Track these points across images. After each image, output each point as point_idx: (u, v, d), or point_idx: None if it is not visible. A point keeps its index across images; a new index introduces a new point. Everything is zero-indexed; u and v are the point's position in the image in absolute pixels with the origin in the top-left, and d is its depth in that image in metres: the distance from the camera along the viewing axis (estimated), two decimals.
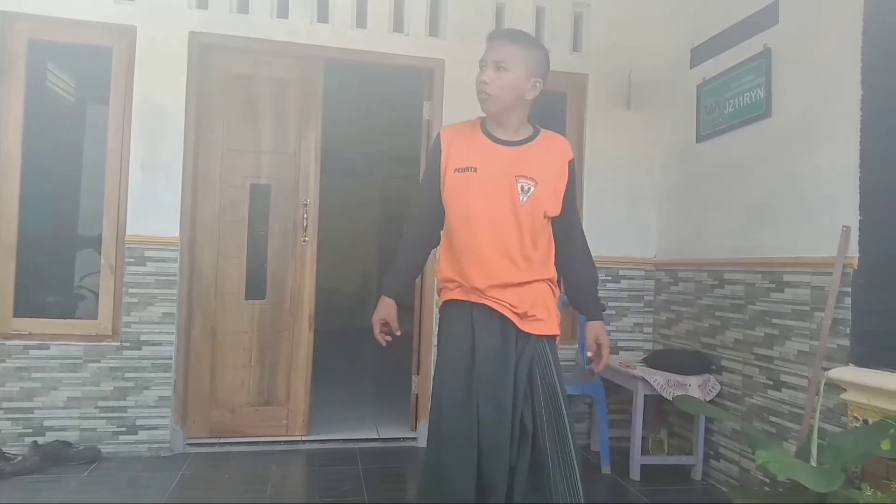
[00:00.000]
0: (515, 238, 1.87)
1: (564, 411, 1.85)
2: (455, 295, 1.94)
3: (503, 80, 1.86)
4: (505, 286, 1.87)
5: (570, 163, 1.96)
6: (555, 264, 1.99)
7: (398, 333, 2.14)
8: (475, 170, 1.88)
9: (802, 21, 2.77)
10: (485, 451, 1.82)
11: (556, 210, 1.91)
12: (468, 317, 1.90)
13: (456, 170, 1.90)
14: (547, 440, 1.81)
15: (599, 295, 2.08)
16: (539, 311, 1.88)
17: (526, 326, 1.87)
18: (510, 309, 1.86)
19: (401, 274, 2.11)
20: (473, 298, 1.89)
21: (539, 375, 1.86)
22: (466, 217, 1.88)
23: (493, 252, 1.87)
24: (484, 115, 1.97)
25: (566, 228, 1.99)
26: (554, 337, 1.94)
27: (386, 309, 2.09)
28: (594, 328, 2.02)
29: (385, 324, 2.10)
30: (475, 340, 1.87)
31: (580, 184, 3.85)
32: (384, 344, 2.14)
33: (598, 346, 2.01)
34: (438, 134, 2.02)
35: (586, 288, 2.05)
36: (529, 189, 1.86)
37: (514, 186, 1.86)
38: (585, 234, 2.10)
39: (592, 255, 2.10)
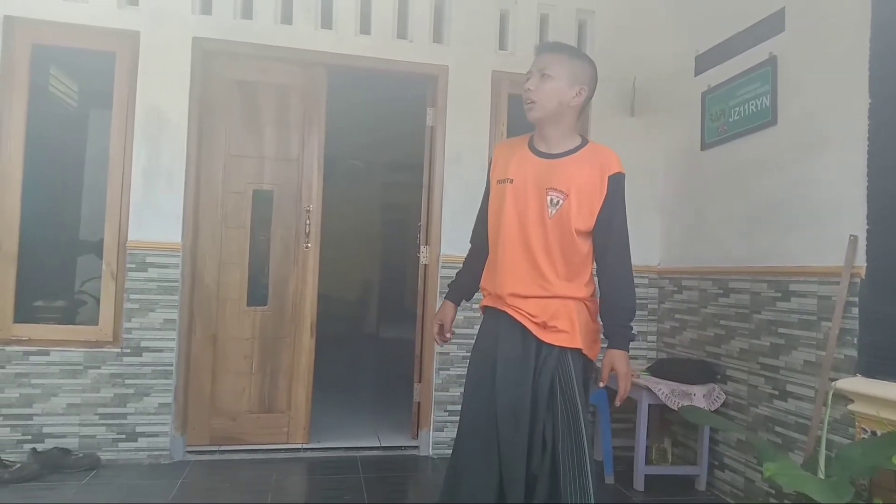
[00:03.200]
0: (542, 250, 1.87)
1: (583, 426, 1.83)
2: (487, 302, 2.02)
3: (547, 87, 1.89)
4: (526, 297, 1.88)
5: (613, 177, 1.87)
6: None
7: (448, 336, 2.20)
8: (512, 181, 1.92)
9: (809, 29, 2.76)
10: (503, 461, 1.84)
11: (586, 225, 1.87)
12: (496, 325, 1.94)
13: (497, 181, 1.97)
14: (561, 453, 1.80)
15: (629, 325, 1.92)
16: (561, 322, 1.86)
17: (546, 337, 1.86)
18: (529, 318, 1.87)
19: (459, 280, 2.22)
20: (500, 306, 1.92)
21: (559, 388, 1.84)
22: (499, 226, 1.93)
23: (519, 261, 1.89)
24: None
25: (601, 247, 1.91)
26: (579, 350, 1.88)
27: (443, 312, 2.20)
28: (610, 357, 1.91)
29: (442, 325, 2.18)
30: (498, 349, 1.90)
31: None
32: (440, 344, 2.23)
33: (618, 376, 1.91)
34: (495, 149, 2.14)
35: (610, 313, 1.94)
36: (559, 202, 1.85)
37: (545, 198, 1.86)
38: None
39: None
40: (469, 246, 2.23)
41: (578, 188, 1.85)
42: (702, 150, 3.49)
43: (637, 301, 3.51)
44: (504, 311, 1.91)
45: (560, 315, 1.86)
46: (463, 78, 3.68)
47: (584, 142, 1.97)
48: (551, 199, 1.85)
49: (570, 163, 1.90)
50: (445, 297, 2.23)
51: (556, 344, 1.86)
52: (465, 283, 2.20)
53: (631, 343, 1.94)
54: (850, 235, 2.44)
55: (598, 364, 2.03)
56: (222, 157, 3.53)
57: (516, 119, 3.83)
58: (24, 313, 3.30)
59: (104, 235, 3.35)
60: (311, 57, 3.55)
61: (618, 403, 1.94)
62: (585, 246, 1.90)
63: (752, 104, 3.06)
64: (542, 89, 1.89)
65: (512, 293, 1.89)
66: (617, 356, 1.89)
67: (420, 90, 3.92)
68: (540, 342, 1.86)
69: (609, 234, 1.89)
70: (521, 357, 1.87)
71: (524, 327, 1.88)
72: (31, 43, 3.28)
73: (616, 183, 1.88)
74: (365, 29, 3.61)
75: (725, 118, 3.27)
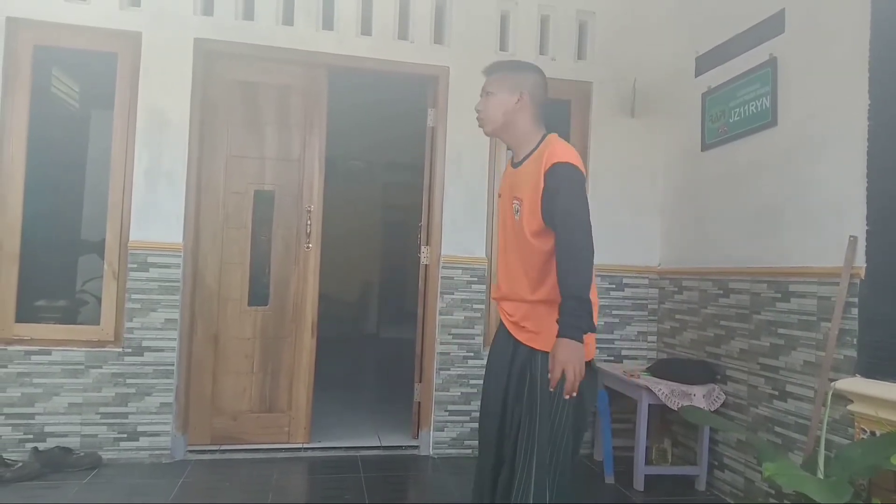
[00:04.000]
0: (515, 256, 1.99)
1: (537, 425, 1.85)
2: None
3: (490, 103, 2.03)
4: (507, 298, 2.03)
5: (549, 171, 1.86)
6: None
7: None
8: (500, 196, 2.14)
9: (809, 30, 2.76)
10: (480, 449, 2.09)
11: (534, 225, 1.89)
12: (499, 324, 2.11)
13: (497, 195, 2.23)
14: (518, 446, 1.90)
15: (576, 312, 1.76)
16: (530, 324, 1.93)
17: (519, 336, 1.96)
18: (508, 317, 2.02)
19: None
20: (492, 294, 2.15)
21: (528, 384, 1.91)
22: (499, 237, 2.15)
23: (503, 267, 2.07)
24: None
25: (555, 238, 1.84)
26: (546, 352, 1.84)
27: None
28: (553, 346, 1.77)
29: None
30: (493, 345, 2.13)
31: None
32: None
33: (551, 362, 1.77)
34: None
35: (561, 300, 1.81)
36: (517, 209, 1.95)
37: (511, 207, 1.98)
38: None
39: (596, 262, 1.87)
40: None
41: (528, 191, 1.91)
42: (702, 150, 3.49)
43: (637, 301, 3.61)
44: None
45: (529, 317, 1.94)
46: (464, 79, 3.69)
47: (541, 141, 1.99)
48: (515, 207, 1.96)
49: (525, 169, 1.98)
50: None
51: (526, 343, 1.93)
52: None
53: (591, 334, 1.83)
54: (850, 236, 2.44)
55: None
56: (223, 158, 3.54)
57: None
58: (25, 313, 3.31)
59: (106, 235, 3.36)
60: (313, 58, 3.56)
61: (553, 387, 1.79)
62: (546, 245, 1.88)
63: (753, 105, 3.06)
64: (486, 106, 2.03)
65: (499, 295, 2.08)
66: (556, 343, 1.75)
67: (421, 91, 3.93)
68: (517, 340, 1.96)
69: (554, 224, 1.84)
70: (502, 351, 2.01)
71: (501, 310, 2.05)
72: (34, 44, 3.29)
73: (552, 175, 1.85)
74: (366, 30, 3.62)
75: (726, 119, 3.28)
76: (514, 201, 1.96)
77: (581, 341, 1.74)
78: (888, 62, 2.33)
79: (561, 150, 1.90)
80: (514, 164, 2.05)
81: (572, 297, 1.76)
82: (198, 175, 3.45)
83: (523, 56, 3.76)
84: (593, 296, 1.88)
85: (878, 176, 2.35)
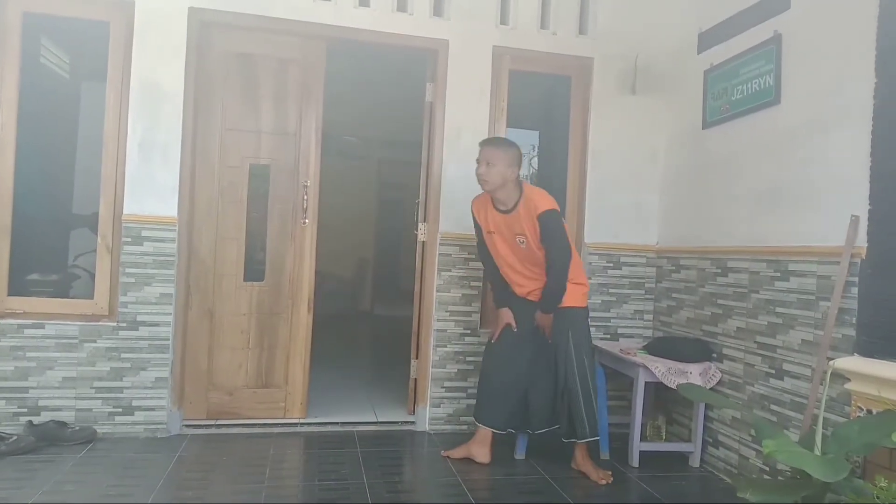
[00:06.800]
0: (528, 263, 3.12)
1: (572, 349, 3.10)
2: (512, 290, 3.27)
3: (493, 171, 2.98)
4: (532, 288, 3.17)
5: (539, 217, 2.94)
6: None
7: (515, 329, 3.22)
8: (494, 233, 3.13)
9: (815, 7, 2.73)
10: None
11: (536, 247, 3.03)
12: (512, 302, 3.25)
13: (487, 232, 3.15)
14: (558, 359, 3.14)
15: (551, 300, 3.07)
16: (534, 294, 3.17)
17: (532, 297, 3.19)
18: (526, 293, 3.21)
19: (499, 288, 3.28)
20: (517, 292, 3.22)
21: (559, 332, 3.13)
22: (499, 257, 3.18)
23: (517, 274, 3.18)
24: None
25: (547, 254, 3.03)
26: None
27: (508, 315, 3.23)
28: (538, 317, 3.13)
29: (507, 323, 3.21)
30: (516, 314, 3.24)
31: (584, 170, 3.84)
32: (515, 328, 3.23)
33: (542, 327, 3.13)
34: (472, 205, 3.22)
35: (545, 289, 3.08)
36: (523, 241, 3.05)
37: (516, 240, 3.07)
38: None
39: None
40: (478, 260, 3.47)
41: (528, 230, 3.00)
42: (703, 129, 3.47)
43: (634, 280, 3.88)
44: (516, 295, 3.23)
45: (535, 291, 3.16)
46: (463, 53, 3.63)
47: (520, 194, 3.02)
48: (519, 240, 3.06)
49: (518, 215, 3.01)
50: (499, 306, 3.26)
51: (534, 300, 3.17)
52: (502, 290, 3.27)
53: (587, 287, 3.23)
54: (852, 215, 2.43)
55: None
56: (219, 131, 3.48)
57: (517, 95, 3.79)
58: (18, 286, 3.27)
59: (99, 208, 3.31)
60: (310, 29, 3.49)
61: (549, 339, 3.13)
62: (543, 252, 3.05)
63: (756, 83, 3.03)
64: (489, 173, 2.98)
65: (525, 291, 3.19)
66: (541, 316, 3.12)
67: (420, 65, 3.86)
68: (532, 301, 3.18)
69: (549, 248, 3.00)
70: (529, 314, 3.18)
71: (526, 298, 3.20)
72: (22, 11, 3.21)
73: (542, 220, 2.95)
74: (364, 1, 3.54)
75: (728, 97, 3.25)
76: (519, 237, 3.04)
77: (551, 314, 3.10)
78: None
79: (540, 200, 2.97)
80: (503, 211, 3.05)
81: (551, 290, 3.06)
82: (192, 148, 3.40)
83: (524, 30, 3.71)
84: (584, 279, 3.23)
85: (882, 155, 2.34)
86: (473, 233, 3.28)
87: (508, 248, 3.10)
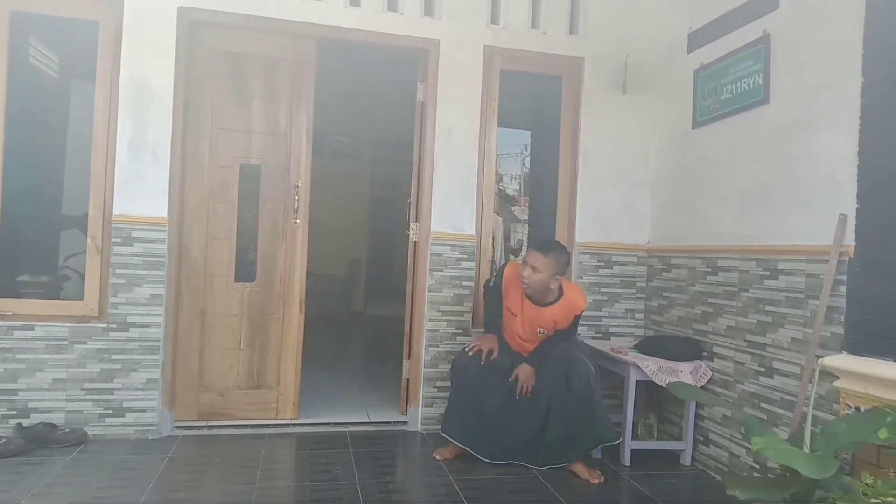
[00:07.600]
0: (527, 342, 3.20)
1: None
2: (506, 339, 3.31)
3: (536, 278, 3.00)
4: (522, 348, 3.24)
5: (577, 315, 3.13)
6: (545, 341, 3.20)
7: (494, 356, 3.20)
8: (517, 315, 3.16)
9: (803, 7, 2.74)
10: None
11: (553, 330, 3.15)
12: (514, 357, 3.24)
13: (508, 309, 3.19)
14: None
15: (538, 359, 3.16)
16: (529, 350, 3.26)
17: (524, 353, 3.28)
18: (522, 350, 3.26)
19: (492, 326, 3.31)
20: (513, 347, 3.26)
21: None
22: (507, 327, 3.24)
23: (516, 340, 3.23)
24: None
25: (559, 331, 3.15)
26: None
27: (492, 340, 3.23)
28: (521, 366, 3.17)
29: (490, 350, 3.18)
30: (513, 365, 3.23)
31: (575, 169, 3.85)
32: (488, 355, 3.20)
33: (520, 374, 3.14)
34: (502, 269, 3.27)
35: (538, 352, 3.17)
36: (542, 332, 3.14)
37: (535, 331, 3.15)
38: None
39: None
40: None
41: (557, 322, 3.11)
42: (693, 128, 3.48)
43: (625, 279, 3.91)
44: (516, 353, 3.26)
45: (531, 350, 3.24)
46: (454, 52, 3.64)
47: (559, 295, 3.09)
48: (539, 331, 3.14)
49: (552, 310, 3.09)
50: (489, 332, 3.30)
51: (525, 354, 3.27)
52: (496, 327, 3.29)
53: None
54: (840, 214, 2.45)
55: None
56: (209, 131, 3.47)
57: (508, 95, 3.80)
58: (6, 288, 3.26)
59: (89, 209, 3.29)
60: (301, 28, 3.48)
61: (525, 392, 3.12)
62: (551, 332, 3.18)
63: (745, 82, 3.05)
64: (533, 279, 3.00)
65: (516, 345, 3.25)
66: (526, 368, 3.14)
67: (411, 64, 3.86)
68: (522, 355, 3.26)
69: (566, 330, 3.16)
70: (516, 358, 3.23)
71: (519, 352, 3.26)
72: (10, 10, 3.18)
73: (577, 317, 3.14)
74: (355, 0, 3.54)
75: (717, 96, 3.26)
76: (540, 329, 3.12)
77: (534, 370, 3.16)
78: (883, 40, 2.32)
79: (581, 300, 3.13)
80: (538, 304, 3.08)
81: (549, 353, 3.13)
82: (182, 148, 3.38)
83: (515, 30, 3.72)
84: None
85: (869, 154, 2.35)
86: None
87: (523, 330, 3.17)
